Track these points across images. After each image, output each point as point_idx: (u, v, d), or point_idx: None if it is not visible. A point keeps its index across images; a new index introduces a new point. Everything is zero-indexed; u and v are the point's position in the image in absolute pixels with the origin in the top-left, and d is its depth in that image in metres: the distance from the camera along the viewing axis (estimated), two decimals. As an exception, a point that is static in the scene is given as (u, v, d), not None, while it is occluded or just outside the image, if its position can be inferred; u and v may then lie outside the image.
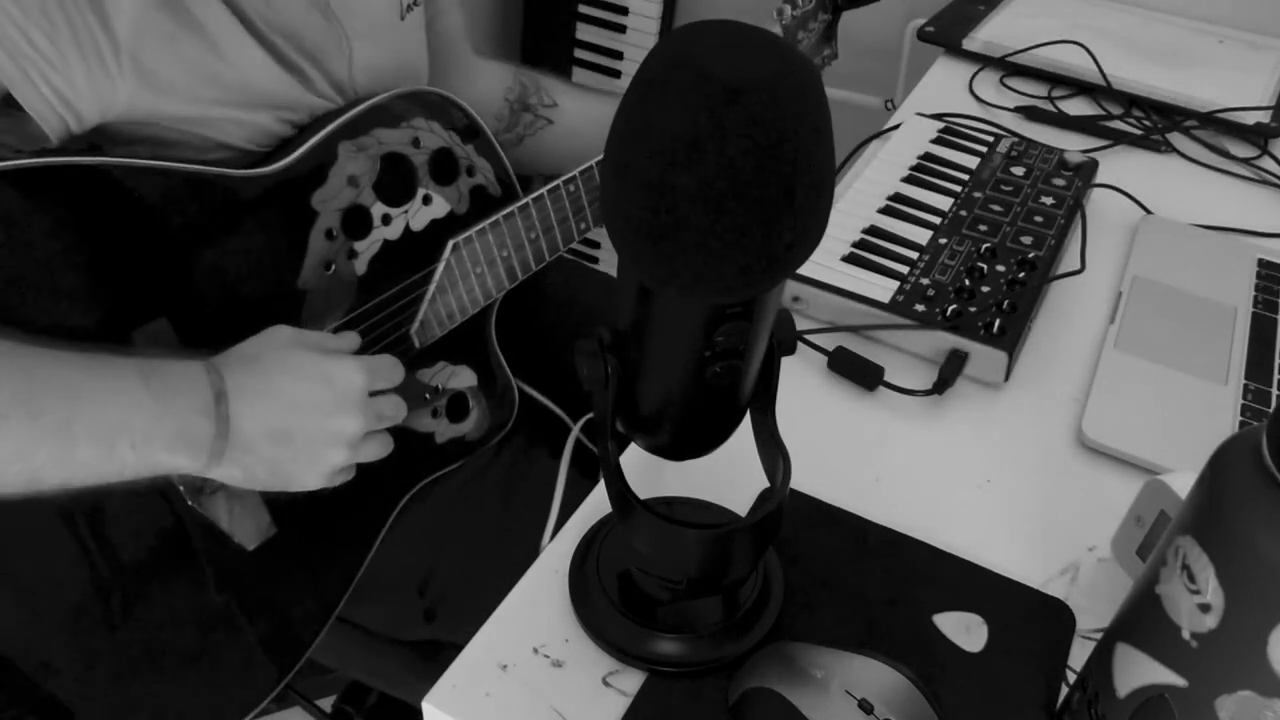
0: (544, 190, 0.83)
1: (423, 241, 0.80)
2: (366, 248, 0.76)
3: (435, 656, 0.88)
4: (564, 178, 0.84)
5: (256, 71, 0.70)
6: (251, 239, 0.70)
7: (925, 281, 0.82)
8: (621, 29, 1.87)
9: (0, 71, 0.58)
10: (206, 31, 0.66)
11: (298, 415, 0.66)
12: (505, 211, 0.81)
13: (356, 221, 0.75)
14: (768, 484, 0.56)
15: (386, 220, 0.77)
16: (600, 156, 0.82)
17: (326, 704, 1.14)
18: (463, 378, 0.86)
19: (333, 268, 0.75)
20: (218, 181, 0.68)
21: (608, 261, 1.90)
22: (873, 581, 0.61)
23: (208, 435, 0.62)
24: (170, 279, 0.67)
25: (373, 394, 0.71)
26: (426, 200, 0.79)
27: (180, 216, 0.66)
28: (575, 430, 0.88)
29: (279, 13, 0.71)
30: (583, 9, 1.88)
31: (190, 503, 0.69)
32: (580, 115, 1.01)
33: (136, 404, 0.60)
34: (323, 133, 0.73)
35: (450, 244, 0.80)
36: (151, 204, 0.65)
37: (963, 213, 0.91)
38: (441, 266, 0.80)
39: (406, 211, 0.78)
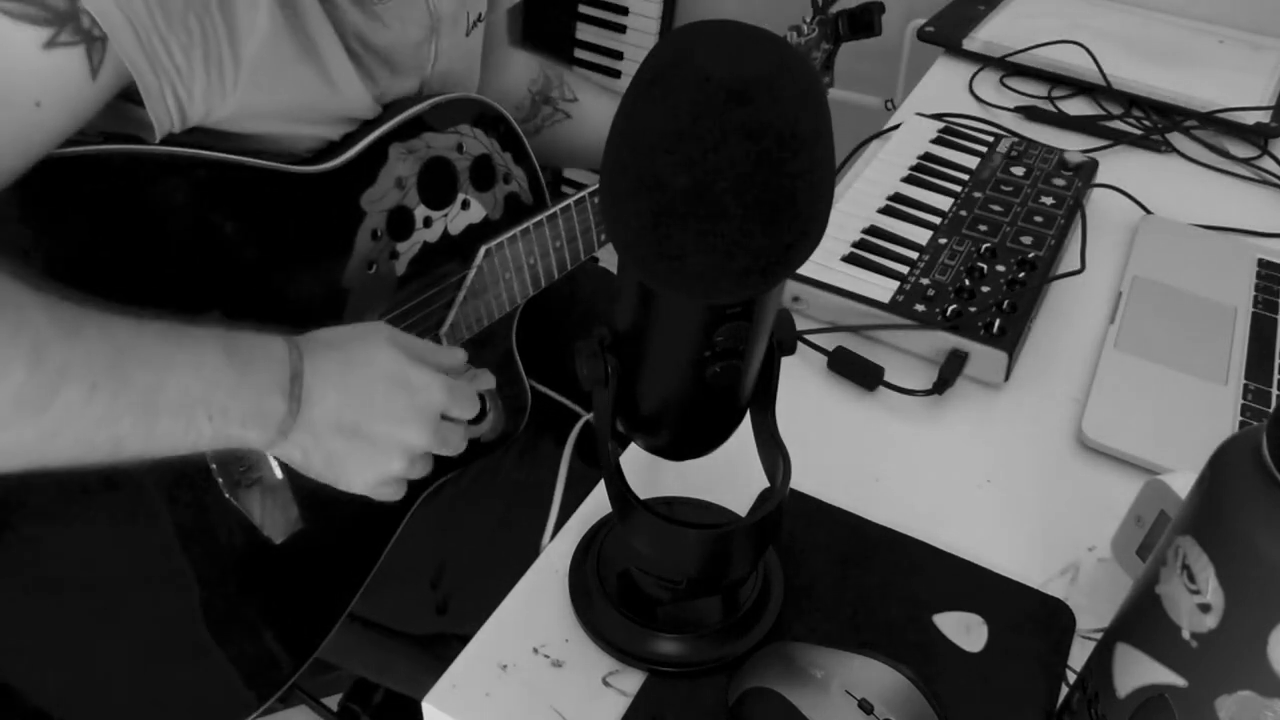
0: (571, 200, 0.84)
1: (457, 245, 0.80)
2: (407, 249, 0.77)
3: (444, 651, 0.88)
4: (590, 189, 0.85)
5: (352, 95, 0.71)
6: (302, 235, 0.71)
7: (925, 281, 0.82)
8: (621, 29, 1.87)
9: (142, 80, 0.58)
10: (321, 57, 0.67)
11: (369, 413, 0.65)
12: (535, 220, 0.83)
13: (400, 223, 0.76)
14: (768, 484, 0.56)
15: (428, 223, 0.78)
16: None
17: (332, 702, 1.14)
18: (483, 380, 0.87)
19: (374, 268, 0.75)
20: (275, 177, 0.68)
21: (608, 261, 1.90)
22: (873, 581, 0.61)
23: (279, 412, 0.62)
24: (225, 271, 0.68)
25: (445, 417, 0.69)
26: (465, 205, 0.80)
27: (237, 209, 0.67)
28: (585, 417, 0.89)
29: (383, 37, 0.72)
30: (583, 9, 1.88)
31: (227, 495, 0.69)
32: (598, 112, 1.02)
33: (217, 377, 0.60)
34: (375, 134, 0.73)
35: (483, 249, 0.81)
36: (210, 195, 0.66)
37: (963, 213, 0.91)
38: (473, 271, 0.81)
39: (446, 215, 0.79)
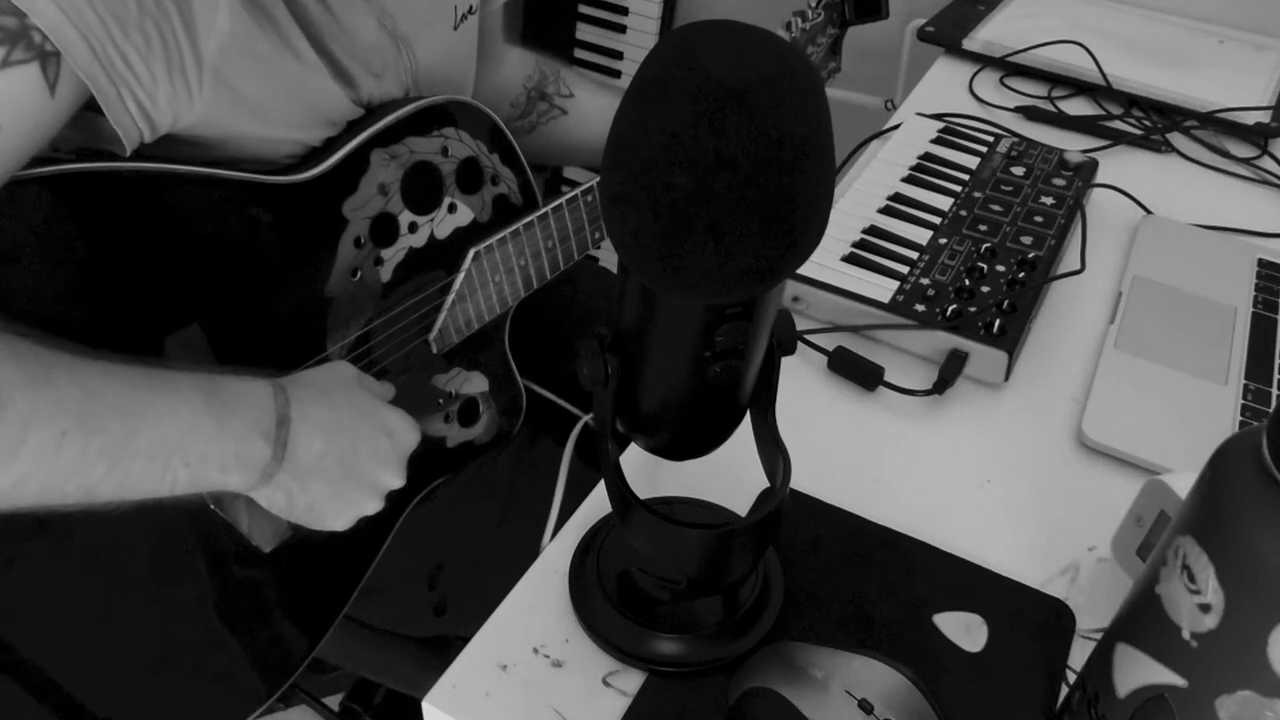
0: (563, 200, 0.83)
1: (445, 249, 0.80)
2: (392, 255, 0.76)
3: (444, 652, 0.88)
4: (582, 188, 0.84)
5: (328, 94, 0.70)
6: (282, 246, 0.70)
7: (925, 281, 0.82)
8: (621, 29, 1.87)
9: (99, 91, 0.58)
10: (292, 56, 0.67)
11: (356, 458, 0.66)
12: (525, 221, 0.82)
13: (385, 229, 0.75)
14: (768, 484, 0.56)
15: (413, 228, 0.77)
16: None
17: (333, 702, 1.14)
18: (475, 383, 0.87)
19: (359, 275, 0.75)
20: (252, 188, 0.68)
21: (608, 261, 1.90)
22: (873, 581, 0.61)
23: (263, 458, 0.62)
24: (203, 285, 0.67)
25: None
26: (452, 209, 0.79)
27: (214, 223, 0.66)
28: (584, 419, 0.89)
29: (354, 39, 0.71)
30: (583, 9, 1.88)
31: (211, 506, 0.69)
32: (594, 108, 1.01)
33: (195, 424, 0.60)
34: (356, 140, 0.72)
35: (471, 252, 0.80)
36: (187, 210, 0.65)
37: (963, 213, 0.91)
38: (462, 275, 0.80)
39: (433, 219, 0.78)
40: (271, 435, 0.62)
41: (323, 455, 0.65)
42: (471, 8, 0.84)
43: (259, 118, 0.67)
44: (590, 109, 1.01)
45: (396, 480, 0.69)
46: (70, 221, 0.60)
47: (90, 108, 0.59)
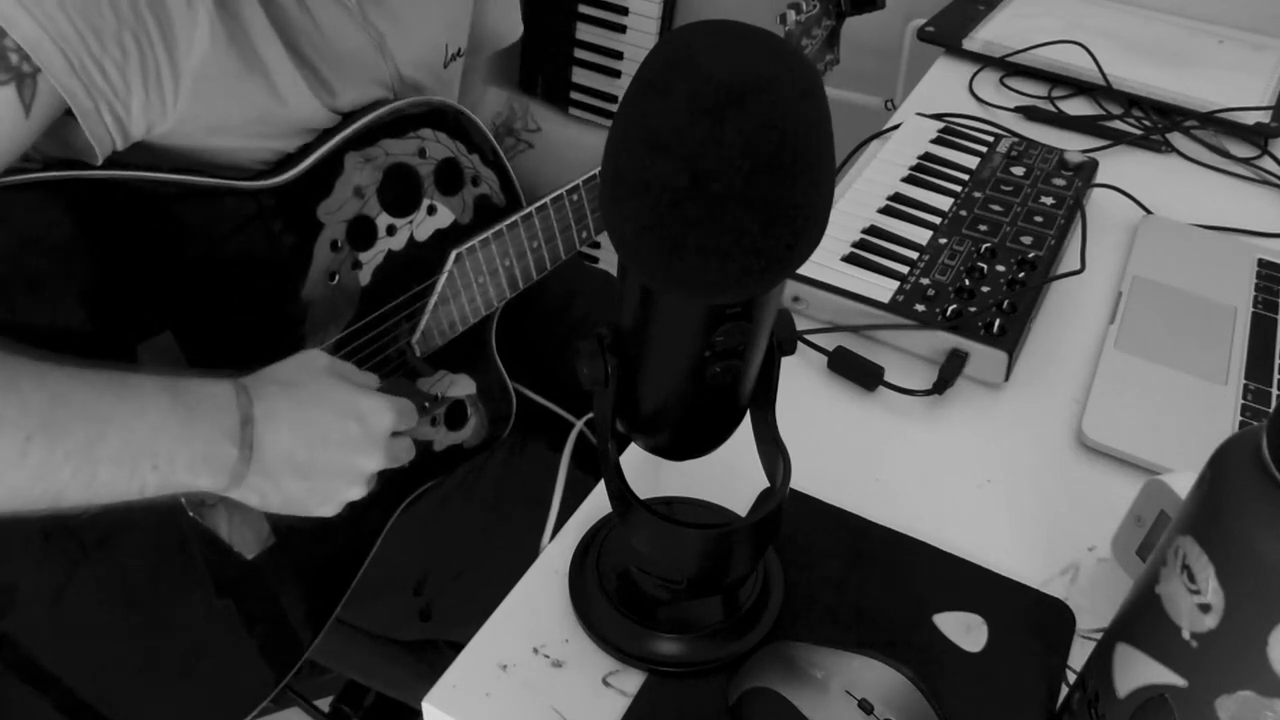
0: (547, 199, 0.83)
1: (426, 251, 0.79)
2: (371, 258, 0.76)
3: (432, 657, 0.88)
4: (567, 187, 0.84)
5: (303, 107, 0.70)
6: (256, 251, 0.70)
7: (925, 281, 0.82)
8: (621, 29, 1.87)
9: (77, 105, 0.58)
10: (268, 72, 0.66)
11: (325, 448, 0.66)
12: (508, 221, 0.81)
13: (361, 232, 0.75)
14: (768, 484, 0.56)
15: (391, 231, 0.77)
16: (589, 173, 0.83)
17: (324, 704, 1.14)
18: (462, 386, 0.86)
19: (336, 278, 0.74)
20: (224, 194, 0.67)
21: (608, 261, 1.90)
22: (873, 581, 0.61)
23: (231, 459, 0.62)
24: (175, 292, 0.67)
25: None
26: (431, 210, 0.79)
27: (186, 229, 0.66)
28: (579, 425, 0.88)
29: (327, 43, 0.71)
30: (583, 9, 1.88)
31: (191, 514, 0.69)
32: (561, 141, 1.01)
33: (161, 427, 0.59)
34: (330, 144, 0.72)
35: (453, 254, 0.79)
36: (158, 216, 0.65)
37: (963, 213, 0.91)
38: (444, 277, 0.79)
39: (411, 222, 0.78)
40: (237, 436, 0.62)
41: (290, 451, 0.64)
42: (460, 50, 0.84)
43: (233, 130, 0.67)
44: (558, 141, 1.01)
45: (374, 463, 0.68)
46: (40, 229, 0.60)
47: (65, 111, 0.59)
